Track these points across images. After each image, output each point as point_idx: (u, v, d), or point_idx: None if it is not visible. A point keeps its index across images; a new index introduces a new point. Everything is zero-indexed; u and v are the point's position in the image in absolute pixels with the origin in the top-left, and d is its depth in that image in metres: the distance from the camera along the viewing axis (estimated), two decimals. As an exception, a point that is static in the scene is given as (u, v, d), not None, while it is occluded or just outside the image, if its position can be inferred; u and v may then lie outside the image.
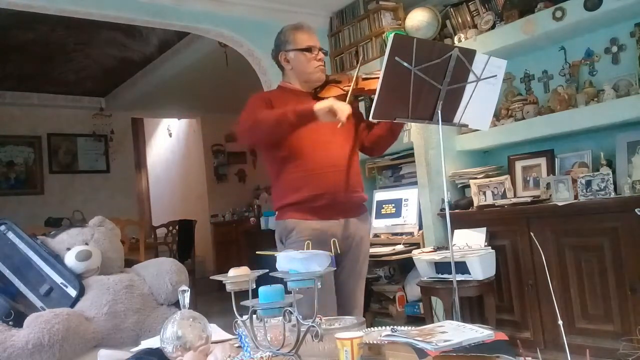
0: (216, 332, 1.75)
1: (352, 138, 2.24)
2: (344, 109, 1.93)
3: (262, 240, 5.52)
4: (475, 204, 3.34)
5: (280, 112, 2.00)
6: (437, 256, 3.04)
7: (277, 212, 2.20)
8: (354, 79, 2.20)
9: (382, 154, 2.44)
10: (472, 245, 3.07)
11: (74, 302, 2.19)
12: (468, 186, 3.48)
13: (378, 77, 2.21)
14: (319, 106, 1.93)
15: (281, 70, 2.31)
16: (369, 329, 1.51)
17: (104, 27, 4.74)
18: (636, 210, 2.51)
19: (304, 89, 2.24)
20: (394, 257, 3.42)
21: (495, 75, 2.36)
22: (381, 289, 3.79)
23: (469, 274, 2.90)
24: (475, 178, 3.43)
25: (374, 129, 2.33)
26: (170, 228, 6.13)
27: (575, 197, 2.87)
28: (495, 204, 3.19)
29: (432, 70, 2.22)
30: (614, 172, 2.82)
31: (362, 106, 4.06)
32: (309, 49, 2.19)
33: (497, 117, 3.39)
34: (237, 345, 1.56)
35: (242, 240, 7.00)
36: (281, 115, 1.98)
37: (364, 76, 2.27)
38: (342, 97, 2.18)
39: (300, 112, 1.96)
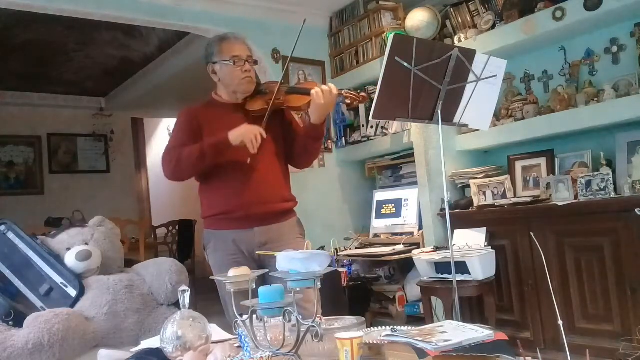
0: (216, 332, 1.75)
1: (275, 151, 2.23)
2: (253, 143, 2.02)
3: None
4: (475, 204, 3.34)
5: (198, 150, 2.07)
6: (437, 256, 3.04)
7: (203, 221, 2.27)
8: (274, 94, 2.16)
9: (308, 166, 2.42)
10: (472, 245, 3.07)
11: (74, 302, 2.19)
12: (468, 186, 3.48)
13: (303, 94, 2.18)
14: (233, 137, 2.04)
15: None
16: (369, 329, 1.51)
17: (104, 27, 4.74)
18: (636, 210, 2.51)
19: (233, 100, 2.22)
20: (394, 257, 3.43)
21: (495, 75, 2.37)
22: (381, 289, 3.79)
23: (469, 274, 2.90)
24: (475, 178, 3.43)
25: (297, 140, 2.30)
26: (170, 228, 6.12)
27: (575, 197, 2.87)
28: (495, 204, 3.19)
29: (432, 70, 2.22)
30: (614, 172, 2.82)
31: (361, 108, 4.07)
32: (233, 61, 2.15)
33: (497, 117, 3.39)
34: (237, 345, 1.56)
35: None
36: (199, 153, 2.06)
37: (287, 89, 2.22)
38: (265, 111, 2.17)
39: (216, 145, 2.06)
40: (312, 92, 2.12)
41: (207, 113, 2.22)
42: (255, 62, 2.24)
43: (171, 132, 2.27)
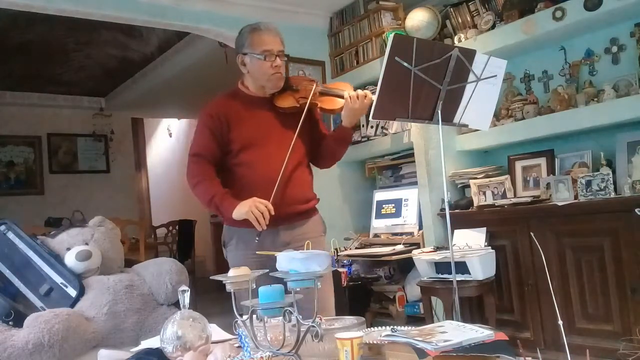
0: (216, 332, 1.75)
1: (300, 150, 2.18)
2: (260, 220, 1.97)
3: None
4: (475, 204, 3.34)
5: (209, 197, 2.05)
6: (437, 256, 3.04)
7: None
8: (310, 95, 2.12)
9: (329, 167, 2.40)
10: (472, 245, 3.07)
11: (74, 302, 2.19)
12: (468, 186, 3.48)
13: (337, 96, 2.16)
14: (236, 214, 2.00)
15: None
16: (369, 329, 1.51)
17: (104, 27, 4.74)
18: (636, 210, 2.51)
19: (260, 94, 2.17)
20: (394, 257, 3.42)
21: (495, 75, 2.36)
22: (381, 289, 3.79)
23: (469, 274, 2.90)
24: (475, 178, 3.43)
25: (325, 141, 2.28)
26: (170, 228, 6.13)
27: (575, 197, 2.87)
28: (495, 204, 3.19)
29: (432, 70, 2.22)
30: (614, 172, 2.81)
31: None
32: (264, 55, 2.08)
33: (497, 117, 3.39)
34: (237, 345, 1.56)
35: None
36: (208, 202, 2.06)
37: (321, 89, 2.18)
38: (295, 109, 2.14)
39: (221, 209, 2.04)
40: (346, 95, 2.09)
41: (233, 106, 2.14)
42: (287, 57, 2.17)
43: (197, 127, 2.17)
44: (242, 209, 1.98)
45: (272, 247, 2.06)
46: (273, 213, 1.99)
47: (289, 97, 2.16)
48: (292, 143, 2.08)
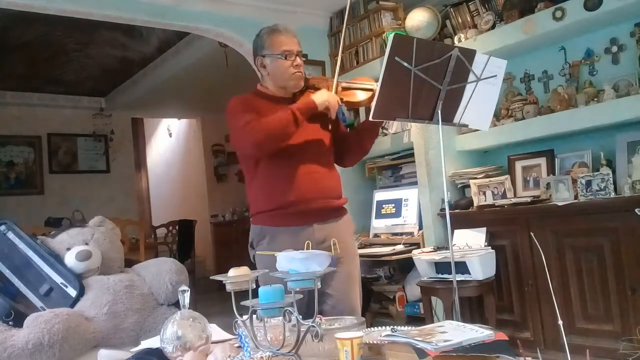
0: (216, 332, 1.75)
1: (330, 147, 2.20)
2: (335, 107, 2.09)
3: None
4: (475, 204, 3.34)
5: (288, 114, 1.99)
6: (437, 256, 3.04)
7: (251, 217, 2.18)
8: (333, 87, 2.15)
9: (353, 165, 2.43)
10: (472, 245, 3.07)
11: (74, 302, 2.19)
12: (468, 186, 3.48)
13: (358, 89, 2.20)
14: (318, 99, 2.05)
15: (260, 73, 2.22)
16: (369, 329, 1.51)
17: (104, 27, 4.74)
18: (636, 210, 2.51)
19: (281, 95, 2.17)
20: (394, 257, 3.42)
21: (495, 75, 2.36)
22: (381, 289, 3.79)
23: (469, 274, 2.90)
24: (475, 178, 3.43)
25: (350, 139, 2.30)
26: (170, 228, 6.13)
27: (575, 197, 2.87)
28: (495, 204, 3.19)
29: (432, 70, 2.21)
30: (614, 172, 2.81)
31: (361, 108, 4.06)
32: (285, 55, 2.09)
33: (497, 117, 3.39)
34: (237, 345, 1.56)
35: (242, 240, 6.99)
36: (292, 117, 1.99)
37: (344, 84, 2.20)
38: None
39: (306, 109, 2.04)
40: (375, 87, 2.14)
41: (260, 101, 2.14)
42: (305, 57, 2.20)
43: (233, 115, 2.11)
44: (322, 97, 2.06)
45: (319, 246, 2.00)
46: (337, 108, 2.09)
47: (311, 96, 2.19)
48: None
